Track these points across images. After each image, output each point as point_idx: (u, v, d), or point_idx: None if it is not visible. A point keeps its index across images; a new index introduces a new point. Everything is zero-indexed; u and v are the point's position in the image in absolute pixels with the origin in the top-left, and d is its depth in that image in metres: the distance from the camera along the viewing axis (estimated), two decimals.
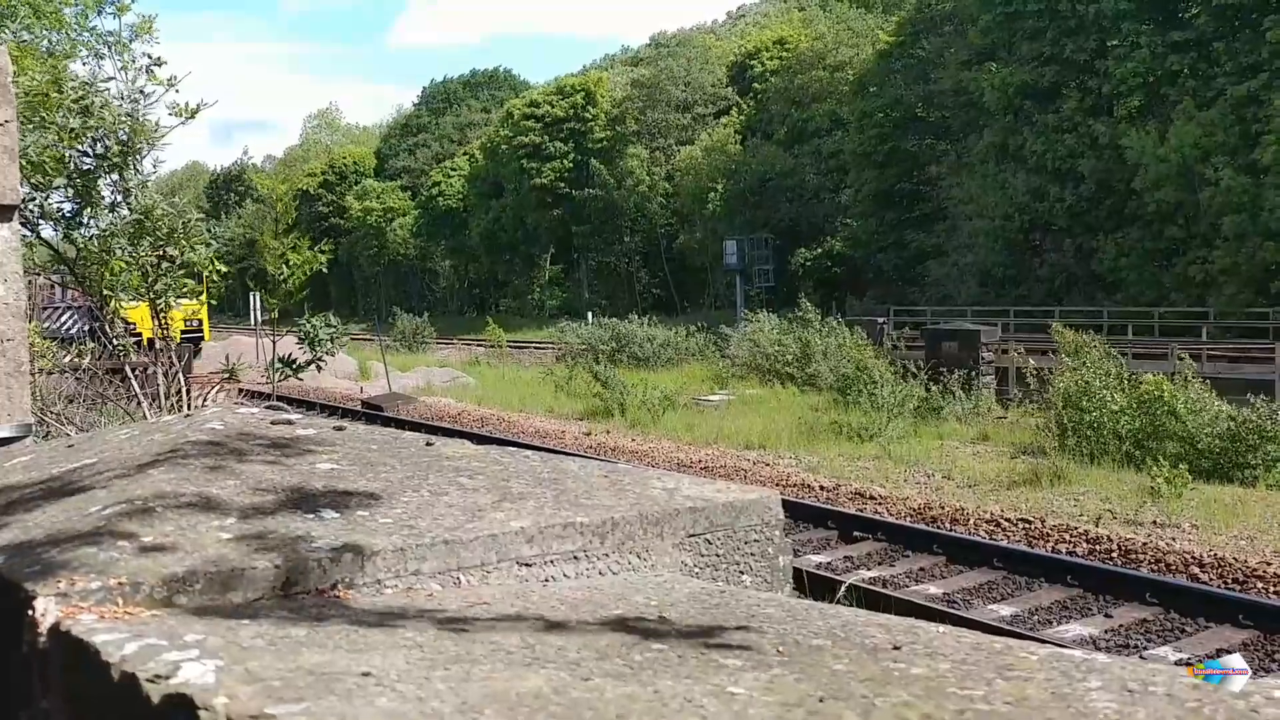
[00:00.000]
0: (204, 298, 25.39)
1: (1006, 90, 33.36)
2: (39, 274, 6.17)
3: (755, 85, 49.59)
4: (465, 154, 64.52)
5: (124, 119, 4.98)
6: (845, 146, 41.56)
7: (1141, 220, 29.90)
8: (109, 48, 5.23)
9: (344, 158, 74.84)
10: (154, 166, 5.24)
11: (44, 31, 5.44)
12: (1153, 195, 28.76)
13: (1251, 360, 21.10)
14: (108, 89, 5.09)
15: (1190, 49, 29.13)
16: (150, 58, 5.11)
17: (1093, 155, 31.23)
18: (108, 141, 5.02)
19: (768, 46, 50.51)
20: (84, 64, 5.41)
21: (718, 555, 1.66)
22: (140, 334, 14.64)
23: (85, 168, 5.02)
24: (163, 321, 5.27)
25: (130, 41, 5.20)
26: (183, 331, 23.89)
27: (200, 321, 25.51)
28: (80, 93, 4.80)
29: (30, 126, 4.37)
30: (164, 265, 5.10)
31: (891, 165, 39.29)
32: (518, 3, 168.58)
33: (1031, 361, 16.07)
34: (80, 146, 4.90)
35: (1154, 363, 18.61)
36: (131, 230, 4.95)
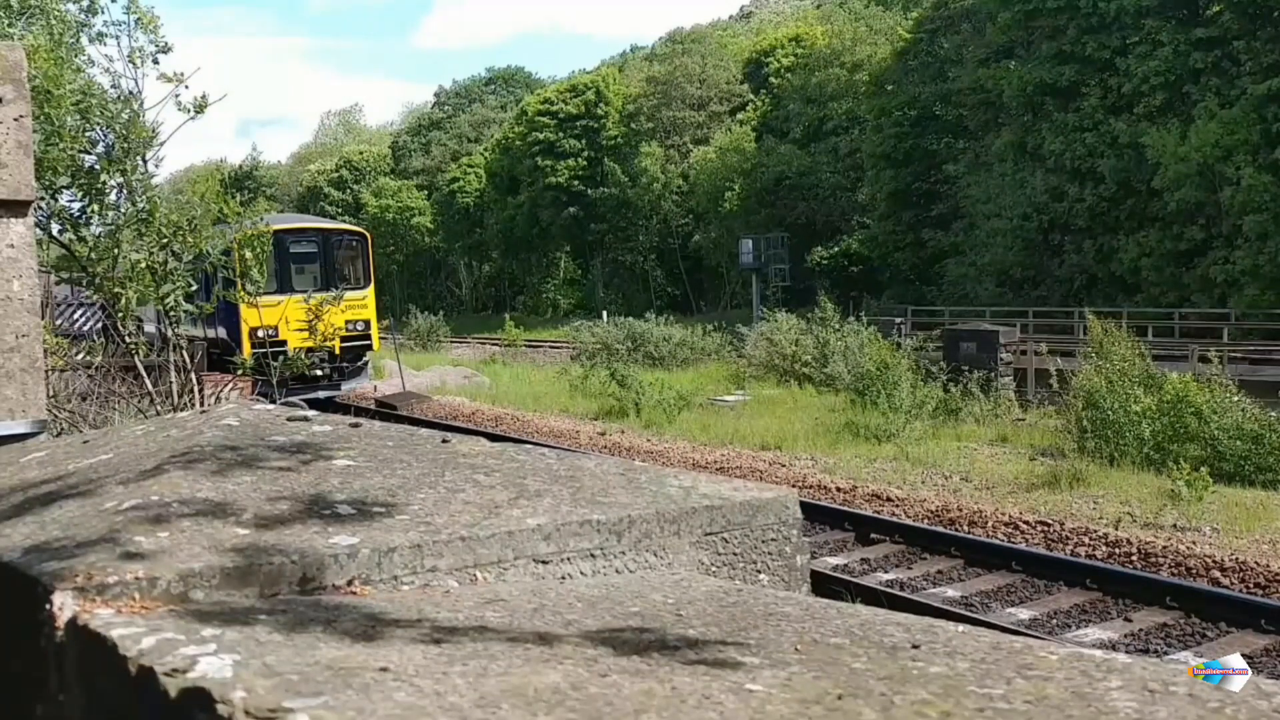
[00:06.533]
0: (371, 290, 18.97)
1: (1025, 88, 33.11)
2: (50, 271, 6.20)
3: (772, 80, 49.43)
4: (482, 151, 64.52)
5: (121, 119, 4.99)
6: (862, 145, 41.38)
7: (1162, 220, 29.60)
8: (118, 45, 5.26)
9: (357, 154, 74.76)
10: (155, 165, 5.25)
11: (37, 27, 5.44)
12: (1173, 195, 28.48)
13: (1273, 362, 20.88)
14: (104, 88, 5.12)
15: (1213, 47, 28.83)
16: (157, 46, 5.12)
17: (1113, 154, 30.95)
18: (109, 139, 5.04)
19: (783, 44, 50.36)
20: (85, 64, 5.43)
21: (735, 554, 1.65)
22: (283, 340, 12.25)
23: (88, 165, 5.05)
24: (171, 319, 5.27)
25: (145, 51, 5.21)
26: (344, 337, 15.85)
27: (368, 323, 18.90)
28: (77, 96, 4.83)
29: (35, 125, 4.38)
30: (170, 264, 5.08)
31: (909, 164, 39.08)
32: (542, 3, 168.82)
33: (1058, 360, 15.94)
34: (81, 145, 4.93)
35: (1174, 364, 18.45)
36: (137, 227, 4.96)
